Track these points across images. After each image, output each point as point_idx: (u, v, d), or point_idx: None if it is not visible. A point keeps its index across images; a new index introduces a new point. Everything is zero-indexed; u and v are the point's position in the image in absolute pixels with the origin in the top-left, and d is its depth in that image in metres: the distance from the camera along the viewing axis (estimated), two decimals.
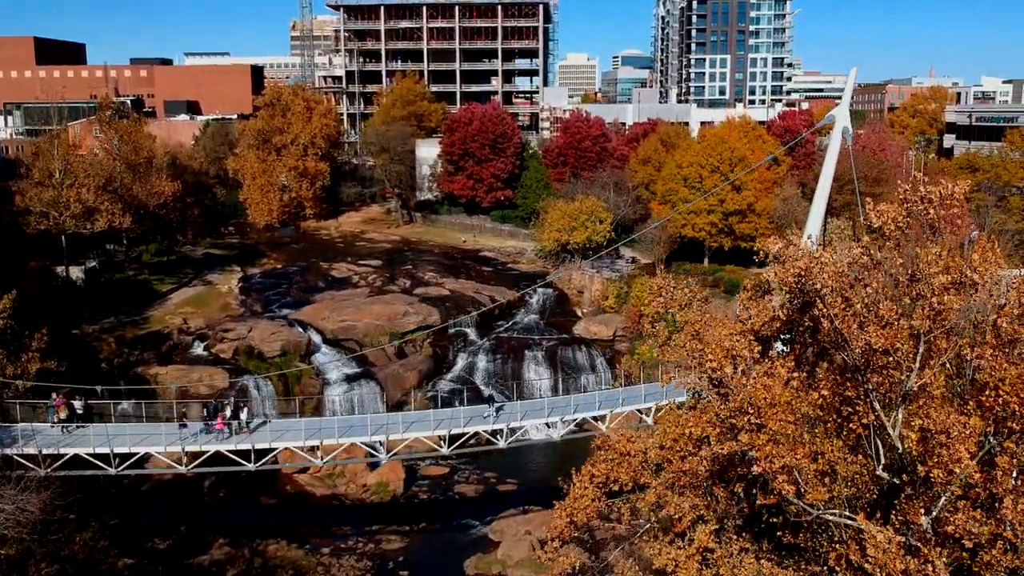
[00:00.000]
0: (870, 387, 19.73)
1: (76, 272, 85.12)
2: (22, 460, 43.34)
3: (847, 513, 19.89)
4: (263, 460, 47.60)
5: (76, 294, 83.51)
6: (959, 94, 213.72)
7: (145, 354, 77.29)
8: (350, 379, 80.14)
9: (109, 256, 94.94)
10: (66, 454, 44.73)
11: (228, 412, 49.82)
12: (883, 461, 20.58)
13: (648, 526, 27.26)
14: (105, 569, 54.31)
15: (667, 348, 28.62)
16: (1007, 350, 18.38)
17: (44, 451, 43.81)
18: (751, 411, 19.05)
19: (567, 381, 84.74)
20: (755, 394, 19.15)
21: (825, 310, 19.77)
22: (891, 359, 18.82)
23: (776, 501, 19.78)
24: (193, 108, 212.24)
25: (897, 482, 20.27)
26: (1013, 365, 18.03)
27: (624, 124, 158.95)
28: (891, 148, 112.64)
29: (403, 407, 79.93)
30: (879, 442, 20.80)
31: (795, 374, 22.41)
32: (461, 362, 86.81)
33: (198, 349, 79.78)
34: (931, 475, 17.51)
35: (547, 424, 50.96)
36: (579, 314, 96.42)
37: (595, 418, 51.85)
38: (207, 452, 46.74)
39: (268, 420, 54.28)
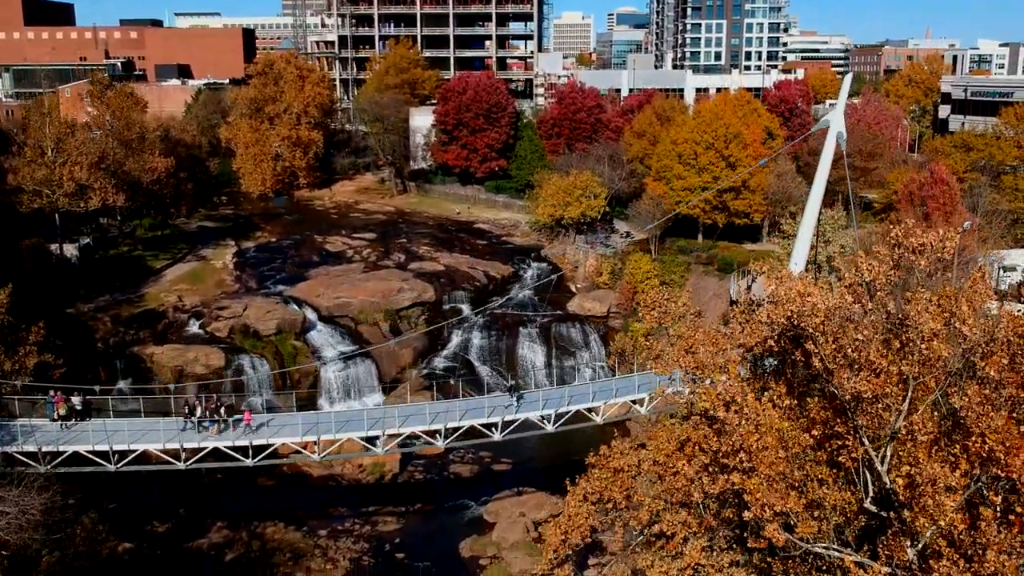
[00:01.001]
0: (860, 424, 20.14)
1: (70, 250, 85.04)
2: (22, 457, 43.79)
3: (835, 546, 20.40)
4: (261, 455, 48.08)
5: (71, 272, 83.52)
6: (955, 57, 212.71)
7: (141, 333, 77.49)
8: (345, 357, 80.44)
9: (103, 231, 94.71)
10: (66, 451, 45.13)
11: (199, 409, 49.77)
12: (871, 494, 21.07)
13: (642, 538, 27.78)
14: (105, 554, 55.17)
15: (660, 362, 28.88)
16: (993, 397, 18.73)
17: (44, 448, 44.25)
18: (743, 455, 19.47)
19: (561, 359, 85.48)
20: (747, 439, 19.54)
21: (816, 350, 20.11)
22: (880, 404, 19.21)
23: (766, 545, 20.25)
24: (184, 72, 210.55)
25: (885, 515, 20.78)
26: (998, 412, 18.42)
27: (619, 92, 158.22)
28: (886, 121, 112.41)
29: (398, 385, 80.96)
30: (868, 474, 21.26)
31: (787, 403, 22.76)
32: (456, 339, 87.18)
33: (194, 327, 79.97)
34: (916, 523, 17.98)
35: (541, 417, 51.40)
36: (573, 290, 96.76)
37: (589, 410, 52.33)
38: (205, 448, 47.19)
39: (265, 405, 54.61)
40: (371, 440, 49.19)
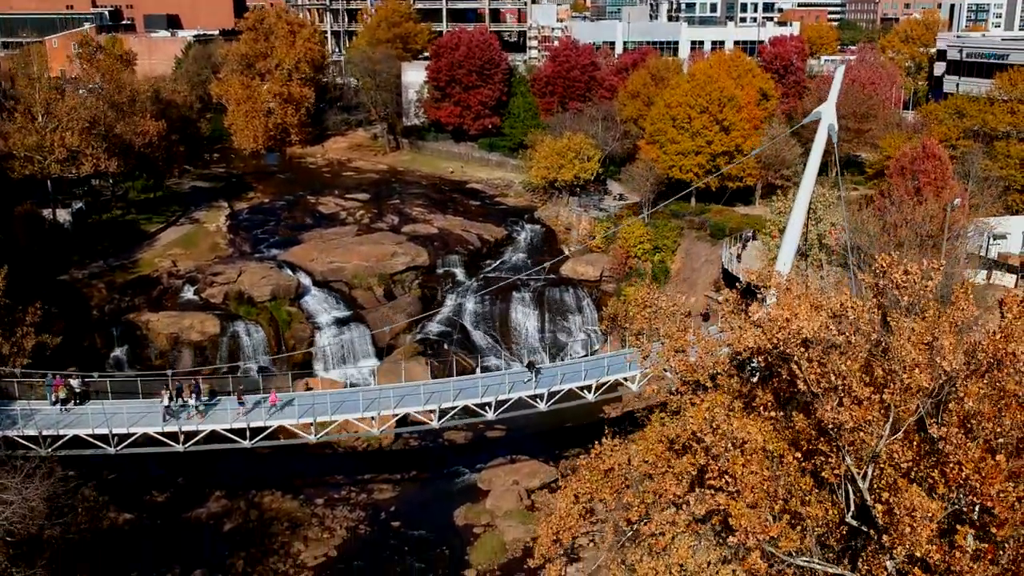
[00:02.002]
0: (842, 444, 20.78)
1: (63, 215, 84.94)
2: (23, 441, 44.43)
3: (817, 560, 21.16)
4: (258, 437, 48.83)
5: (64, 237, 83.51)
6: (952, 7, 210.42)
7: (136, 300, 77.74)
8: (340, 323, 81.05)
9: (96, 194, 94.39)
10: (66, 435, 45.77)
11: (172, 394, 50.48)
12: (852, 509, 21.80)
13: (631, 534, 28.57)
14: (106, 525, 56.34)
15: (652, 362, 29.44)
16: (971, 427, 19.33)
17: (44, 432, 44.88)
18: (728, 478, 20.11)
19: (554, 323, 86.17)
20: (733, 464, 20.16)
21: (801, 375, 20.65)
22: (861, 433, 19.82)
23: (749, 567, 20.98)
24: (174, 23, 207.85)
25: (865, 529, 21.53)
26: (975, 442, 19.04)
27: (613, 46, 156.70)
28: (881, 81, 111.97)
29: (392, 350, 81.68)
30: (850, 488, 21.96)
31: (772, 414, 23.34)
32: (450, 303, 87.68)
33: (188, 293, 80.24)
34: (894, 551, 18.70)
35: (534, 396, 52.15)
36: (566, 252, 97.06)
37: (581, 388, 53.09)
38: (203, 431, 47.90)
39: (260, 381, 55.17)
40: (366, 420, 49.95)
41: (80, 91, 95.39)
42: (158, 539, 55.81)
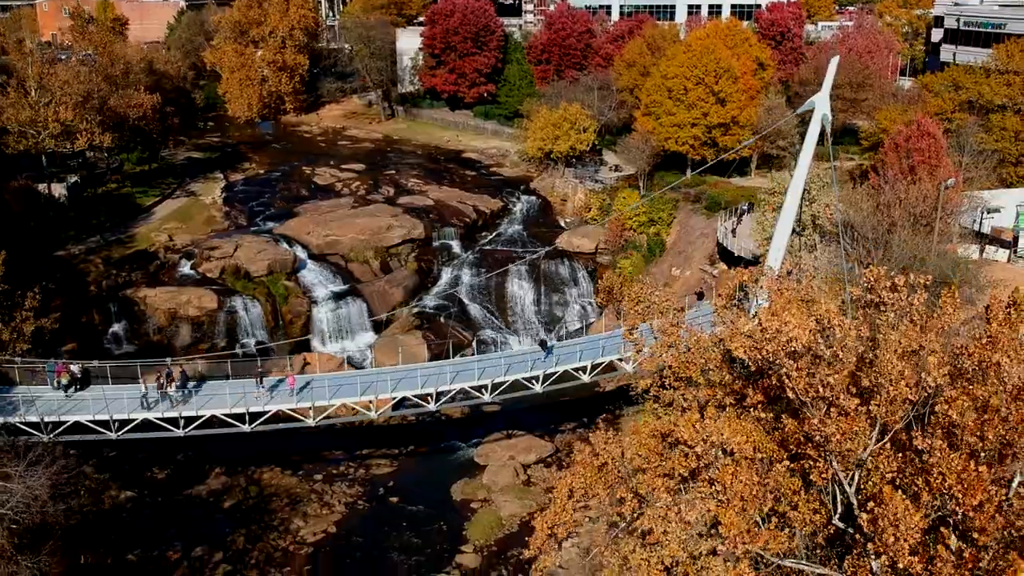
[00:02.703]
0: (830, 450, 21.31)
1: (59, 189, 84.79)
2: (25, 427, 44.95)
3: (804, 563, 21.78)
4: (257, 421, 49.43)
5: (60, 212, 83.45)
6: None
7: (133, 275, 77.87)
8: (336, 297, 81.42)
9: (91, 167, 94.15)
10: (68, 421, 46.28)
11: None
12: (839, 511, 22.39)
13: (625, 525, 29.20)
14: (108, 504, 57.10)
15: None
16: (954, 438, 19.82)
17: (46, 418, 45.39)
18: (719, 486, 20.64)
19: (550, 296, 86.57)
20: (723, 475, 20.67)
21: (791, 385, 21.12)
22: (848, 444, 20.33)
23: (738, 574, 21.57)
24: None
25: (851, 531, 22.13)
26: (958, 453, 19.54)
27: (608, 11, 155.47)
28: (878, 49, 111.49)
29: (389, 324, 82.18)
30: (837, 490, 22.53)
31: (762, 415, 23.82)
32: (446, 276, 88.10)
33: (185, 268, 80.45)
34: (876, 560, 19.28)
35: (530, 378, 52.73)
36: (562, 224, 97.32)
37: (576, 369, 53.64)
38: (202, 416, 48.46)
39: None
40: (365, 406, 50.57)
41: (72, 59, 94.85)
42: (159, 517, 56.56)
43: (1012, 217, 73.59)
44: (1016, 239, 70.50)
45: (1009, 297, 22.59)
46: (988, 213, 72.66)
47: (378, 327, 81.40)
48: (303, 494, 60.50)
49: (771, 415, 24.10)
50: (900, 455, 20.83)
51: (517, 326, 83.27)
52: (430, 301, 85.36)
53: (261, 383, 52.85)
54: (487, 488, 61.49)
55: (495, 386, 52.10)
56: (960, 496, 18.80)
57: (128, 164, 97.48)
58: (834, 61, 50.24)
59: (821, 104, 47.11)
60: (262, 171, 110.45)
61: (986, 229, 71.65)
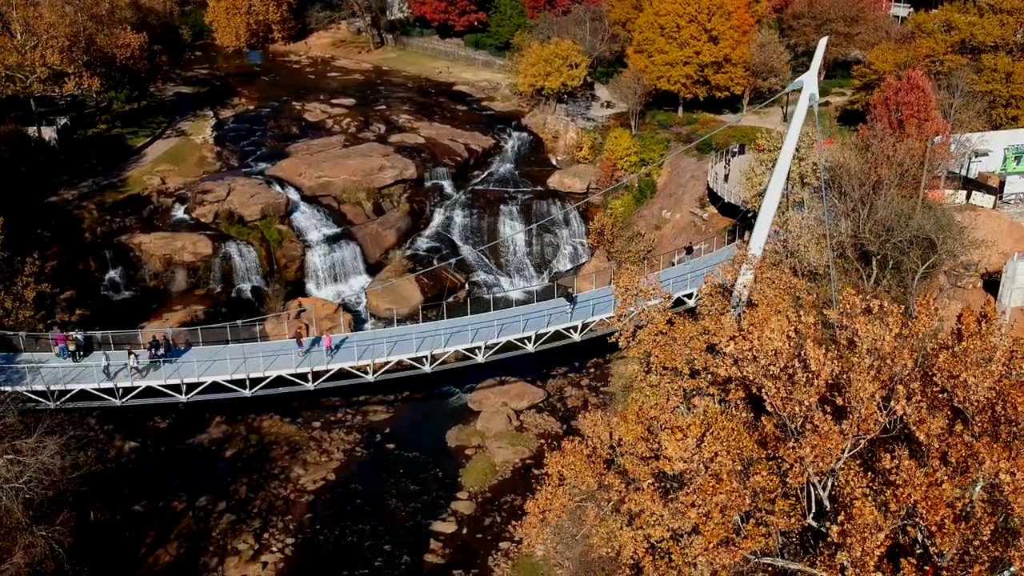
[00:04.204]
0: (803, 456, 22.64)
1: (48, 132, 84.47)
2: (32, 395, 46.12)
3: (780, 560, 23.32)
4: (257, 387, 50.72)
5: (50, 156, 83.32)
6: None
7: (127, 220, 78.36)
8: (330, 240, 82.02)
9: (80, 107, 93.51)
10: (73, 389, 47.49)
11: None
12: (813, 510, 23.86)
13: (610, 506, 30.77)
14: (113, 453, 58.79)
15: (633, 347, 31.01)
16: (921, 458, 21.10)
17: (52, 387, 46.52)
18: (699, 497, 21.97)
19: (542, 236, 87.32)
20: (703, 490, 21.98)
21: (769, 400, 22.31)
22: (822, 461, 21.60)
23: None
24: None
25: (824, 530, 23.62)
26: (923, 471, 20.85)
27: None
28: None
29: (382, 267, 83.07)
30: (812, 489, 23.96)
31: (743, 415, 25.10)
32: (438, 218, 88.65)
33: (179, 212, 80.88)
34: (845, 572, 20.76)
35: (522, 339, 53.94)
36: (554, 162, 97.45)
37: (567, 329, 54.81)
38: (204, 383, 49.69)
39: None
40: (362, 368, 51.87)
41: None
42: (163, 467, 58.19)
43: (1000, 161, 74.13)
44: (1002, 184, 71.07)
45: (980, 311, 23.65)
46: (976, 157, 73.16)
47: (372, 269, 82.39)
48: (302, 442, 62.20)
49: (751, 415, 25.42)
50: (869, 473, 22.17)
51: (510, 268, 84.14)
52: (423, 243, 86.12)
53: (300, 343, 54.50)
54: (481, 434, 63.26)
55: (488, 347, 53.33)
56: (923, 512, 20.15)
57: (117, 103, 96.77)
58: (822, 42, 50.27)
59: (809, 84, 47.33)
60: (252, 107, 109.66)
61: (973, 174, 72.24)
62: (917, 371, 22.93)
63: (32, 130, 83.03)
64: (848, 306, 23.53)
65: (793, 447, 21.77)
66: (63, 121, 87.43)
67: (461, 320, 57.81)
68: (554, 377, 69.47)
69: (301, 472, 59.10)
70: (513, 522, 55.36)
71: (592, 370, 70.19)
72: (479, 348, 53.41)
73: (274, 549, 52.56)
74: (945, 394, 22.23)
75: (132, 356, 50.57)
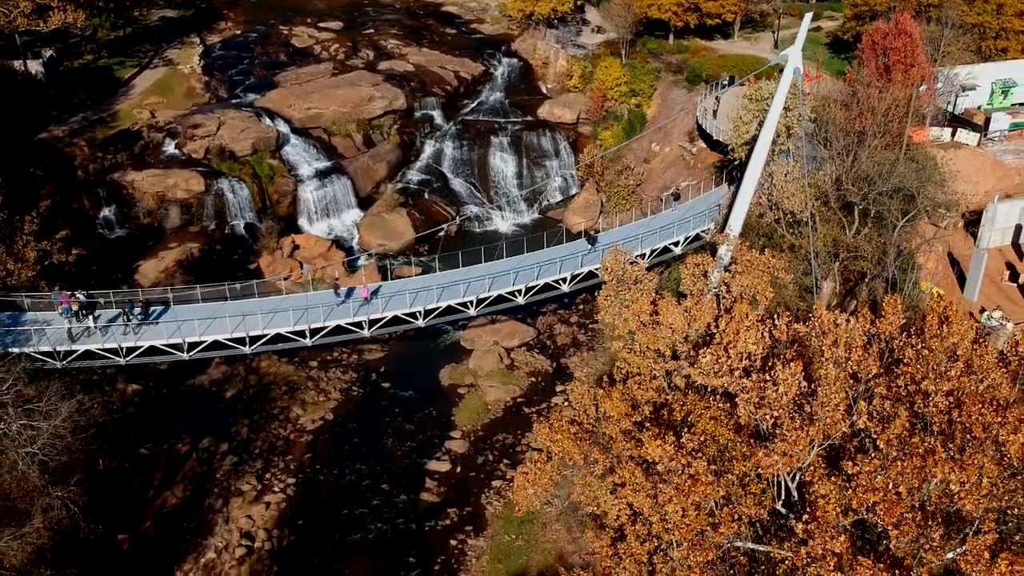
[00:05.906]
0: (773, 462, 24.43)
1: (35, 66, 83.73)
2: (39, 355, 47.46)
3: (751, 544, 25.32)
4: (256, 344, 52.18)
5: (38, 90, 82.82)
6: None
7: (119, 157, 78.37)
8: (321, 175, 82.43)
9: (65, 37, 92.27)
10: (78, 350, 48.86)
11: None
12: (782, 498, 25.76)
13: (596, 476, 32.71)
14: (116, 396, 60.57)
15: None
16: (886, 468, 22.73)
17: (58, 348, 47.85)
18: (673, 490, 23.76)
19: (532, 168, 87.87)
20: (680, 490, 23.75)
21: (742, 408, 23.93)
22: (791, 463, 23.32)
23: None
24: None
25: (792, 516, 25.57)
26: (883, 475, 22.57)
27: None
28: None
29: (374, 201, 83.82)
30: (781, 481, 25.84)
31: (722, 404, 26.78)
32: (429, 150, 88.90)
33: (170, 148, 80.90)
34: (808, 569, 22.69)
35: (513, 292, 55.30)
36: (544, 90, 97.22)
37: (556, 281, 56.13)
38: (205, 341, 51.06)
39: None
40: (357, 324, 53.39)
41: None
42: (165, 410, 59.96)
43: (987, 95, 74.44)
44: (988, 121, 71.58)
45: (943, 311, 25.11)
46: (963, 91, 73.46)
47: (364, 203, 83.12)
48: (300, 381, 64.07)
49: (729, 404, 27.08)
50: (834, 476, 23.93)
51: (500, 202, 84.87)
52: (414, 176, 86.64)
53: (337, 292, 56.55)
54: (473, 373, 65.20)
55: (479, 301, 54.63)
56: (881, 513, 21.96)
57: (102, 31, 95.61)
58: (807, 16, 50.23)
59: (794, 58, 47.52)
60: (239, 31, 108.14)
61: (960, 110, 72.65)
62: (882, 370, 24.48)
63: (18, 64, 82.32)
64: (817, 317, 24.95)
65: (763, 455, 23.48)
66: (49, 53, 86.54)
67: (453, 274, 58.86)
68: (544, 314, 71.11)
69: (300, 412, 61.07)
70: (505, 460, 58.28)
71: (581, 306, 71.80)
72: (471, 302, 54.87)
73: (276, 489, 54.80)
74: (907, 392, 23.79)
75: (125, 316, 52.00)
